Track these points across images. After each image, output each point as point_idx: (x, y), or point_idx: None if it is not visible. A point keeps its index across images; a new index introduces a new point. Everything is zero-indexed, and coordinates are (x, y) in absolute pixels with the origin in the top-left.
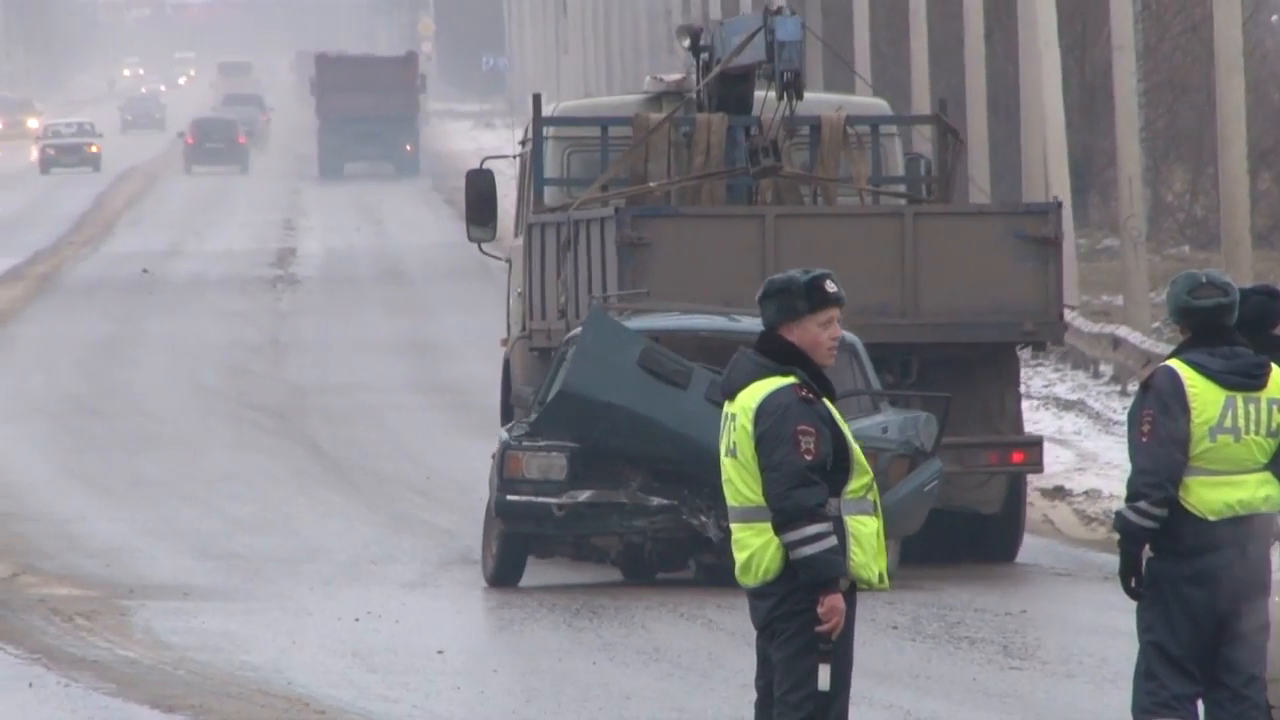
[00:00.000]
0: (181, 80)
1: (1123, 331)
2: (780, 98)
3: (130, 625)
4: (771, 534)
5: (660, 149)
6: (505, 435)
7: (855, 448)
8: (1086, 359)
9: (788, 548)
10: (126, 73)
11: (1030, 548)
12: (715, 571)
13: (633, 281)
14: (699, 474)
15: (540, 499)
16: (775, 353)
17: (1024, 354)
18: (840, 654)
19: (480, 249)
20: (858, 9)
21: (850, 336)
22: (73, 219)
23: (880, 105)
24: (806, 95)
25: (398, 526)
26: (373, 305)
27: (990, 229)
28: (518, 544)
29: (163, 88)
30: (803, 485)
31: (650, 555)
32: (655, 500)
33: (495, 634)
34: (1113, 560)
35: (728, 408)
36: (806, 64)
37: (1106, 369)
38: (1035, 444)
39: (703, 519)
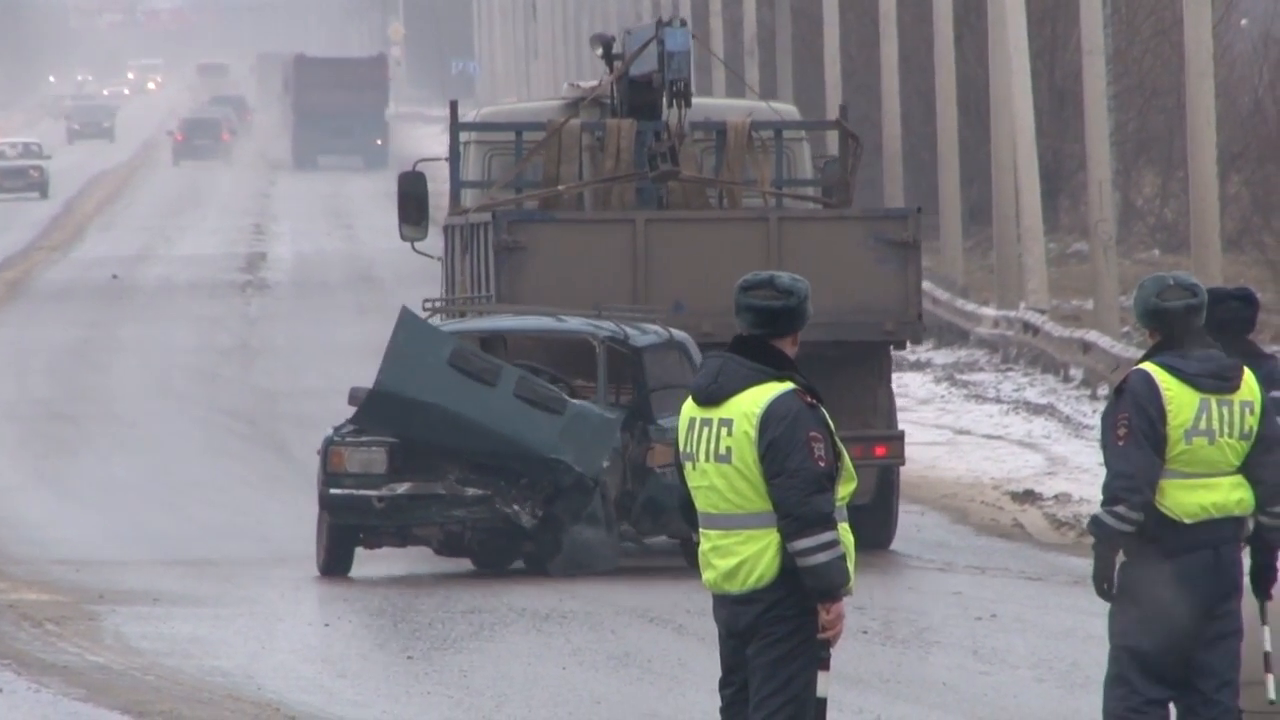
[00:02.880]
0: (151, 85)
1: (1092, 336)
2: (669, 105)
3: (100, 630)
4: (766, 540)
5: (573, 153)
6: (330, 431)
7: (845, 454)
8: (1056, 363)
9: (798, 555)
10: (130, 75)
11: (1000, 551)
12: (535, 560)
13: (510, 284)
14: (513, 466)
15: (361, 491)
16: (769, 359)
17: (994, 359)
18: (814, 665)
19: (413, 248)
20: (828, 12)
21: (681, 335)
22: (42, 224)
23: (791, 111)
24: (729, 101)
25: None
26: (343, 309)
27: (852, 233)
28: (344, 535)
29: (126, 91)
30: (819, 492)
31: (470, 543)
32: (471, 491)
33: (465, 639)
34: (1083, 564)
35: (712, 413)
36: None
37: (1076, 373)
38: (897, 438)
39: (516, 508)
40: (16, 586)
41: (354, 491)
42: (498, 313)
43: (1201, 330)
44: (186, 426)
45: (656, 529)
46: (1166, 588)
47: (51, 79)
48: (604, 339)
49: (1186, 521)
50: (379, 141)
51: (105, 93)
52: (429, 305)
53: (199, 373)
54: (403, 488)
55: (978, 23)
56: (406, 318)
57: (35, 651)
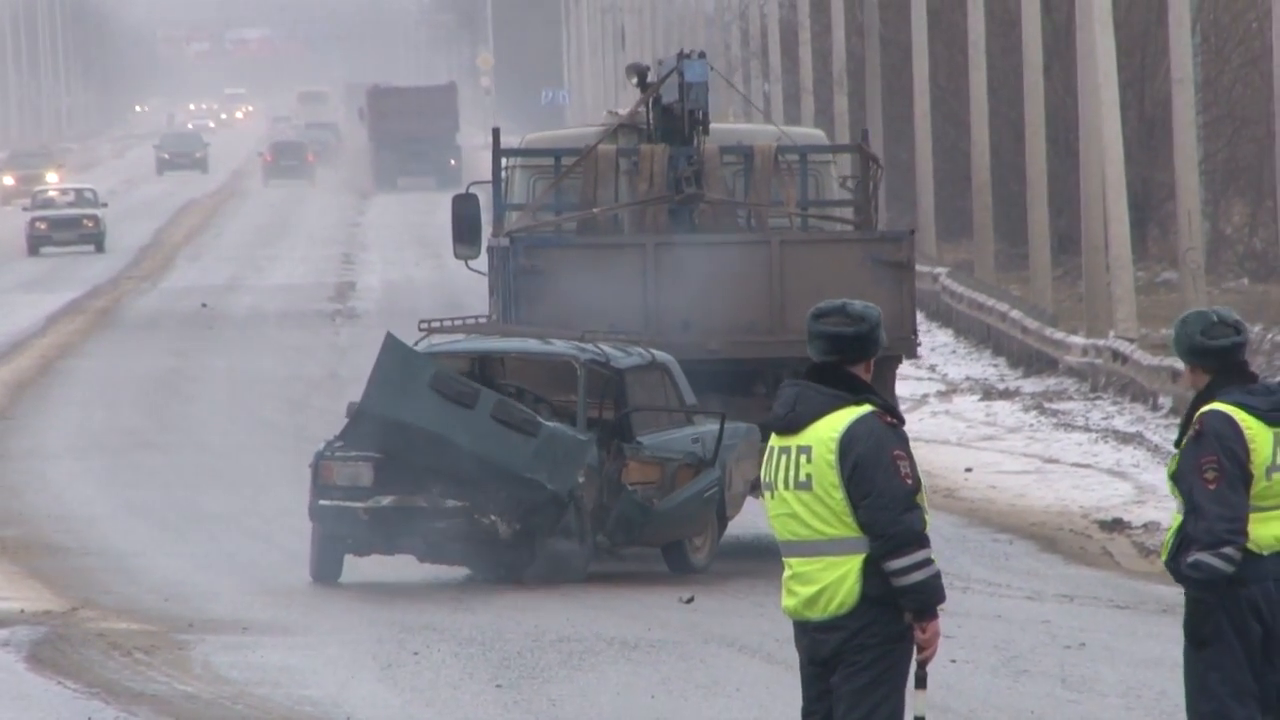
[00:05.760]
0: (239, 114)
1: (1182, 364)
2: (688, 132)
3: (189, 660)
4: (847, 567)
5: (608, 176)
6: (322, 446)
7: (920, 477)
8: (1145, 392)
9: (894, 575)
10: (191, 105)
11: (1089, 580)
12: (512, 569)
13: (528, 305)
14: (489, 483)
15: (348, 503)
16: (845, 384)
17: (1082, 388)
18: (898, 692)
19: (467, 265)
20: (916, 42)
21: (664, 356)
22: (131, 252)
23: (818, 135)
24: (757, 126)
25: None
26: None
27: (850, 254)
28: (334, 544)
29: (211, 124)
30: (909, 510)
31: (451, 553)
32: (450, 503)
33: (554, 668)
34: (1173, 593)
35: (790, 441)
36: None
37: (1165, 401)
38: None
39: (492, 519)
40: (106, 615)
41: (341, 503)
42: (489, 334)
43: (1245, 365)
44: (275, 456)
45: (629, 540)
46: (1248, 615)
47: (196, 106)
48: (585, 361)
49: (1264, 554)
50: (452, 163)
51: (190, 126)
52: (424, 326)
53: (288, 402)
54: (387, 500)
55: (1067, 52)
56: (390, 343)
57: (124, 680)
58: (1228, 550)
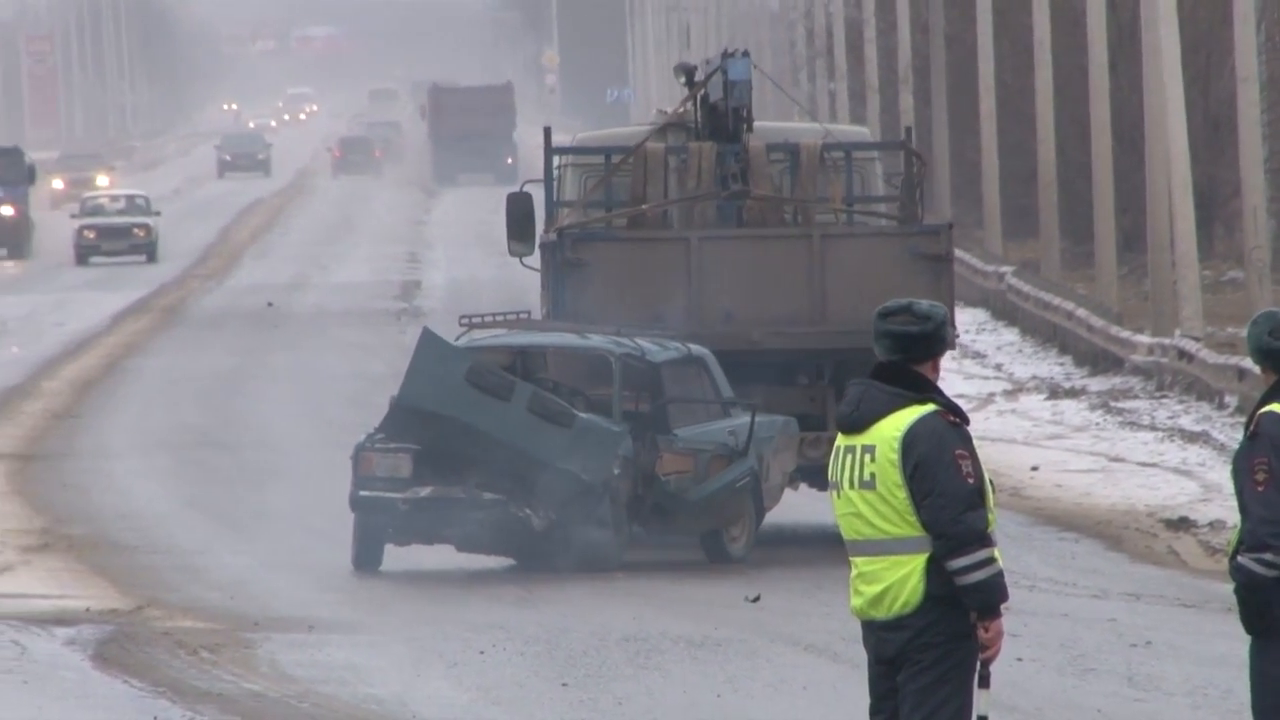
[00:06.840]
0: (302, 115)
1: (1248, 363)
2: (733, 129)
3: (255, 658)
4: (911, 566)
5: (658, 174)
6: (362, 438)
7: (987, 477)
8: (1211, 391)
9: (955, 574)
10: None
11: (1155, 579)
12: (548, 559)
13: (574, 298)
14: (525, 474)
15: (387, 494)
16: (909, 383)
17: (1148, 386)
18: (963, 691)
19: (521, 262)
20: (981, 40)
21: (700, 350)
22: (197, 251)
23: (862, 133)
24: (804, 124)
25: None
26: None
27: (889, 247)
28: (374, 533)
29: (273, 123)
30: (971, 509)
31: (488, 544)
32: (487, 495)
33: (620, 666)
34: None
35: (855, 440)
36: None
37: (1231, 400)
38: None
39: (528, 511)
40: (171, 614)
41: (381, 494)
42: (527, 330)
43: None
44: (339, 454)
45: (665, 530)
46: None
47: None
48: (620, 355)
49: None
50: (509, 160)
51: (251, 125)
52: (465, 321)
53: (352, 401)
54: (425, 491)
55: (1132, 50)
56: (426, 337)
57: (190, 679)
58: (1268, 555)
